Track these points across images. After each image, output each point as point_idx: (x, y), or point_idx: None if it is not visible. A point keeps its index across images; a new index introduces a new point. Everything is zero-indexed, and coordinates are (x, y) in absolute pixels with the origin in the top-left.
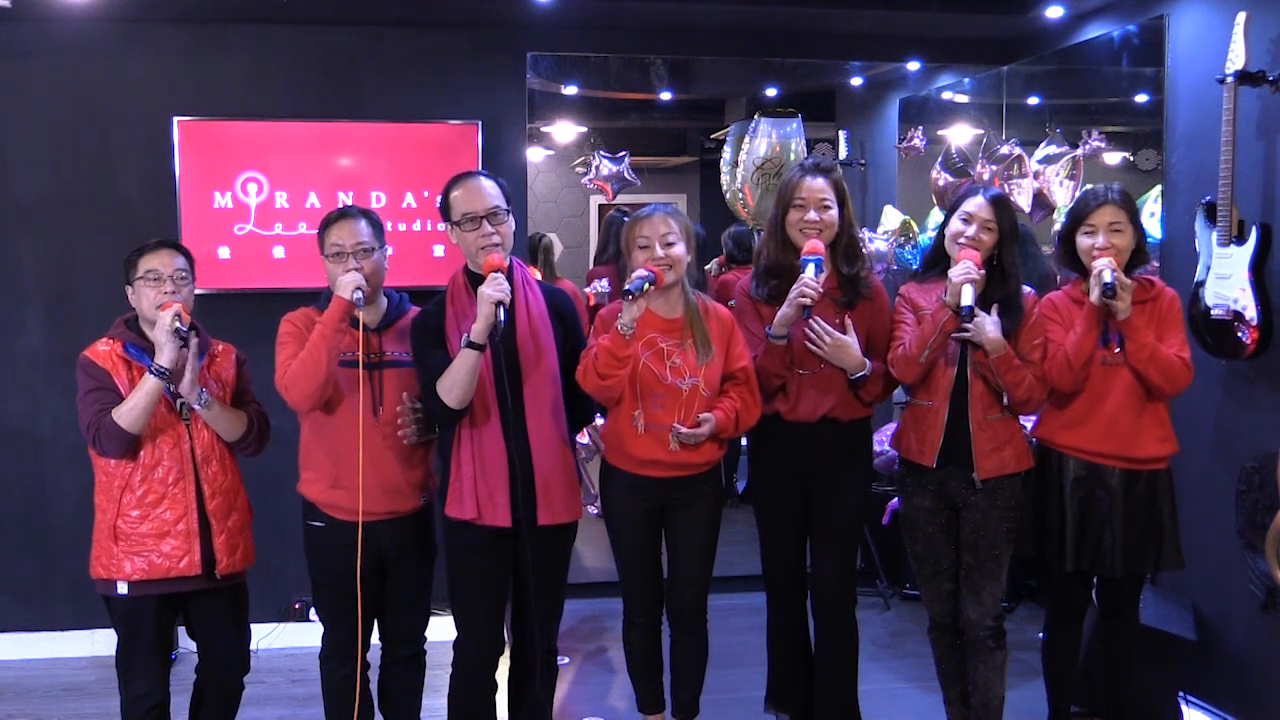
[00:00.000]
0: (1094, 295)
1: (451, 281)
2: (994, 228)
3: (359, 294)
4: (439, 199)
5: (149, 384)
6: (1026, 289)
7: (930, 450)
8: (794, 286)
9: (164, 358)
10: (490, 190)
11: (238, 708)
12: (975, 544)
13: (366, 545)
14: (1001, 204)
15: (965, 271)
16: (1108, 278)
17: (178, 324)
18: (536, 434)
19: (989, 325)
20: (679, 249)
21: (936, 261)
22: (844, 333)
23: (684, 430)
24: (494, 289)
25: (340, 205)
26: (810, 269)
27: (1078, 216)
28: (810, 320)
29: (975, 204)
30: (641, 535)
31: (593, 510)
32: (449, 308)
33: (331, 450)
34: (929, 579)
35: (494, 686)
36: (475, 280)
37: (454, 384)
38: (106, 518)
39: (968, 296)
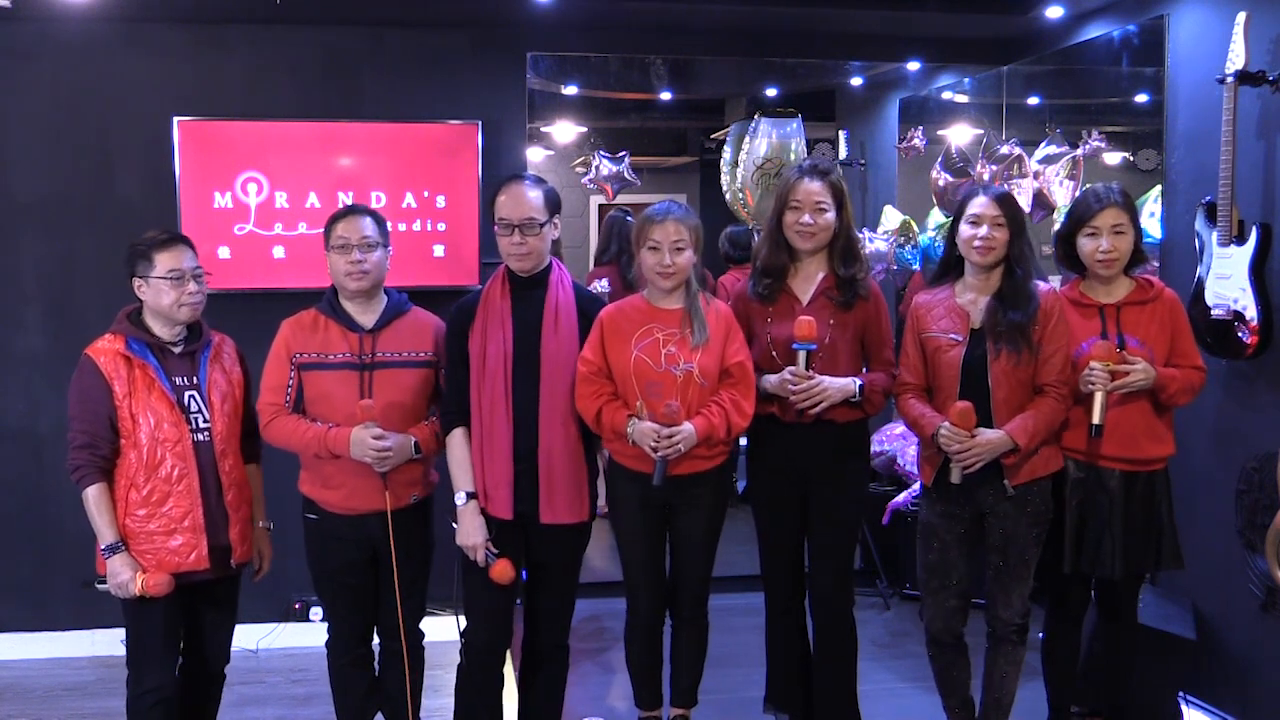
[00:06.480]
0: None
1: (490, 281)
2: (1004, 223)
3: (369, 458)
4: (492, 198)
5: (103, 542)
6: (1043, 284)
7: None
8: (786, 372)
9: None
10: (531, 199)
11: (221, 696)
12: (1004, 549)
13: (359, 538)
14: (1005, 199)
15: (958, 461)
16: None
17: None
18: (547, 431)
19: (989, 448)
20: (686, 256)
21: (949, 269)
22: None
23: (664, 431)
24: None
25: (341, 205)
26: (802, 356)
27: (1079, 219)
28: (788, 383)
29: (980, 204)
30: (645, 532)
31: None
32: (479, 311)
33: None
34: (935, 592)
35: (500, 678)
36: (515, 281)
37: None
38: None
39: (955, 477)
